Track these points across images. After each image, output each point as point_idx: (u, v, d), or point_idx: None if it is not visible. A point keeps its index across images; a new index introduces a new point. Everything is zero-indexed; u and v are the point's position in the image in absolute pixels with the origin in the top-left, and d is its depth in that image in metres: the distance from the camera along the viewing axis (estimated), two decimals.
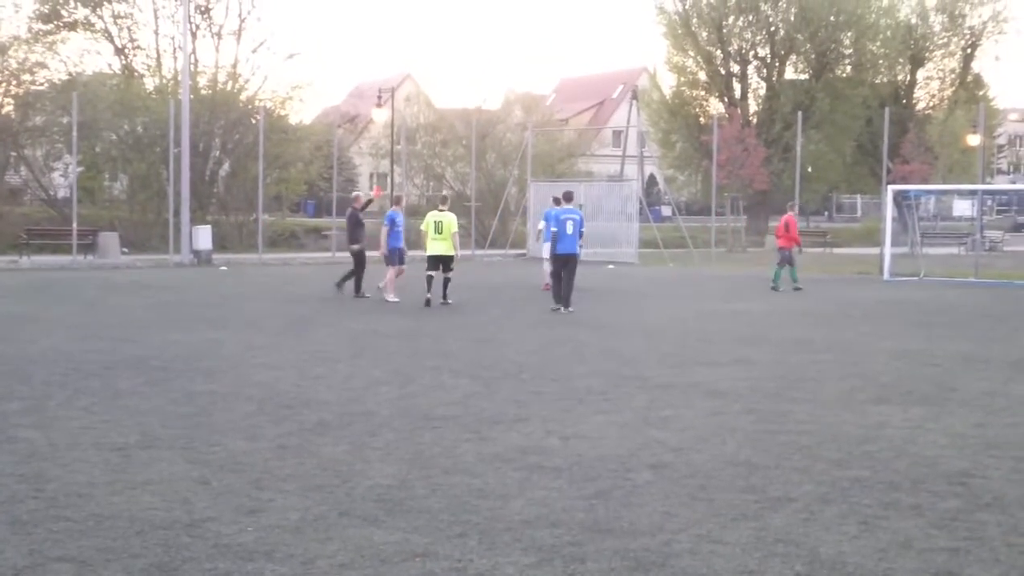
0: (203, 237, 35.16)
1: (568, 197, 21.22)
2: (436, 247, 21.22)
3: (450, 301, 20.86)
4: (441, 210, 21.71)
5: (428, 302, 20.62)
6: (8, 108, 41.43)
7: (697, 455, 8.26)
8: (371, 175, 68.39)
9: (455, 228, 21.48)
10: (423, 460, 8.04)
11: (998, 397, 11.15)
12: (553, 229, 20.43)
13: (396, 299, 21.33)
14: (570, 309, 19.86)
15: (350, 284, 22.83)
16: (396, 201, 23.48)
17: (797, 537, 6.24)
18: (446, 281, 21.17)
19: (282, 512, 6.63)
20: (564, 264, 20.19)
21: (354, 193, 25.85)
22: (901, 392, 11.32)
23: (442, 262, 21.19)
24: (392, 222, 22.21)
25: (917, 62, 58.05)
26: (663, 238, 40.17)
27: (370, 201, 24.58)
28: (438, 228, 21.24)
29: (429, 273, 21.14)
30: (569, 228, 20.11)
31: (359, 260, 22.79)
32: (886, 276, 30.45)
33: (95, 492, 7.03)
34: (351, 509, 6.72)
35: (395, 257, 22.01)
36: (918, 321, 19.21)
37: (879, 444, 8.71)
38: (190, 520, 6.43)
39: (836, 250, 46.21)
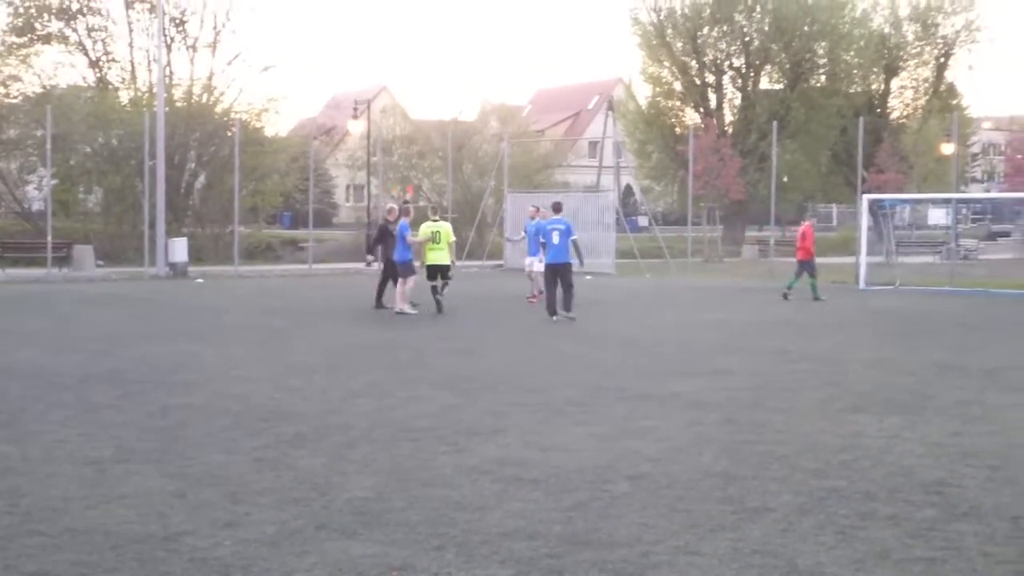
0: (179, 250, 35.00)
1: (557, 208, 21.44)
2: (435, 256, 21.33)
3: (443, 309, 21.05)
4: (435, 220, 21.85)
5: (440, 307, 20.88)
6: None
7: (675, 466, 8.26)
8: (348, 187, 68.52)
9: (452, 237, 21.71)
10: (401, 472, 8.01)
11: (974, 406, 11.19)
12: (542, 241, 20.70)
13: (414, 311, 21.10)
14: (571, 315, 19.96)
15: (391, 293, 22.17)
16: (404, 212, 23.41)
17: (775, 548, 6.24)
18: (442, 288, 21.38)
19: (259, 526, 6.60)
20: (555, 274, 20.27)
21: (388, 205, 25.48)
22: (877, 401, 11.35)
23: (440, 271, 21.28)
24: (401, 233, 22.10)
25: (891, 71, 58.32)
26: (640, 248, 40.22)
27: (407, 208, 23.55)
28: (436, 238, 21.35)
29: (433, 284, 21.26)
30: (555, 238, 20.24)
31: (389, 271, 22.32)
32: (862, 285, 30.60)
33: (70, 506, 6.98)
34: (328, 522, 6.69)
35: (407, 268, 21.87)
36: (894, 330, 19.29)
37: (856, 453, 8.73)
38: (166, 534, 6.39)
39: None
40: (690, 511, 7.01)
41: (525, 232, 24.70)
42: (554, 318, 20.04)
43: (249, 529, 6.52)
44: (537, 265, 23.38)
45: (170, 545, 6.18)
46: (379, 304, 22.19)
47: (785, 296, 25.73)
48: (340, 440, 9.16)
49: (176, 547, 6.15)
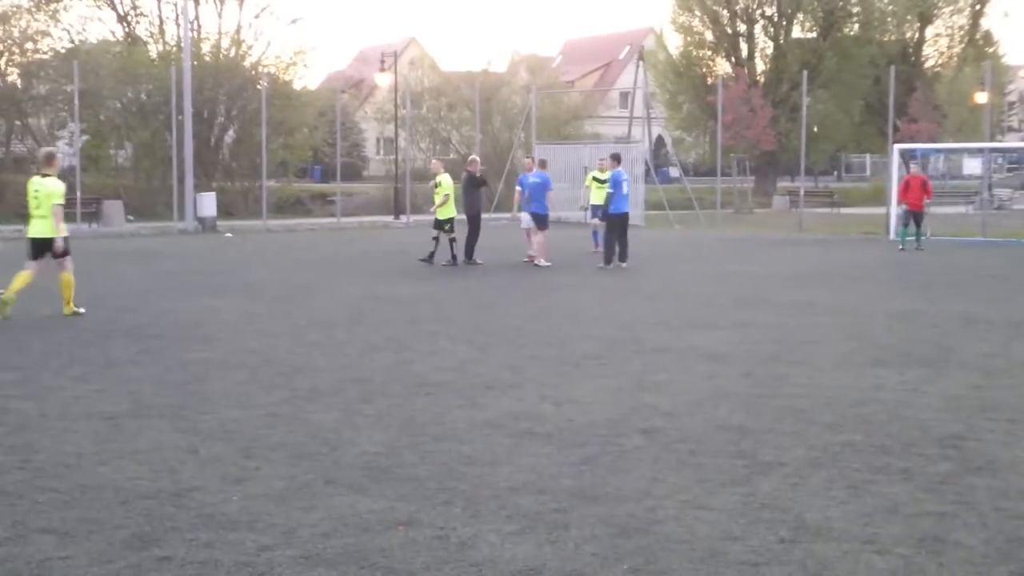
0: (207, 204, 35.09)
1: (617, 159, 22.08)
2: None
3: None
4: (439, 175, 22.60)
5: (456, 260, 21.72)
6: (12, 77, 41.35)
7: (689, 420, 8.22)
8: (377, 139, 68.31)
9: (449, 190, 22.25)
10: (414, 427, 8.01)
11: (997, 359, 11.07)
12: (610, 190, 21.38)
13: (548, 263, 21.71)
14: (625, 265, 21.05)
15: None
16: (542, 164, 23.54)
17: (784, 502, 6.20)
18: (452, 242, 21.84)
19: (268, 481, 6.61)
20: (623, 223, 21.43)
21: (471, 157, 25.51)
22: (899, 354, 11.25)
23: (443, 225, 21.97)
24: (546, 186, 22.51)
25: (925, 19, 57.55)
26: (669, 200, 39.93)
27: (543, 161, 24.38)
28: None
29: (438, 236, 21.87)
30: (624, 188, 21.58)
31: (474, 225, 22.35)
32: (892, 236, 30.27)
33: (82, 463, 7.02)
34: (337, 477, 6.69)
35: (545, 221, 22.30)
36: (922, 282, 19.10)
37: (873, 407, 8.66)
38: (175, 490, 6.42)
39: (843, 210, 45.93)
40: (701, 465, 6.98)
41: (521, 186, 23.10)
42: (610, 266, 20.93)
43: (258, 484, 6.54)
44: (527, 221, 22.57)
45: (179, 500, 6.21)
46: (470, 259, 22.05)
47: (906, 248, 26.26)
48: (355, 394, 9.17)
49: (184, 502, 6.17)
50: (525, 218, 22.59)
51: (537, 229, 22.00)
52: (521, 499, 6.25)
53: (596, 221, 24.02)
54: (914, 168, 28.99)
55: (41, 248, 14.21)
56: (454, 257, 21.58)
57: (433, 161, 26.68)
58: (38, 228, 14.17)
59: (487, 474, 6.77)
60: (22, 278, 14.17)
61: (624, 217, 21.53)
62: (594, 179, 24.67)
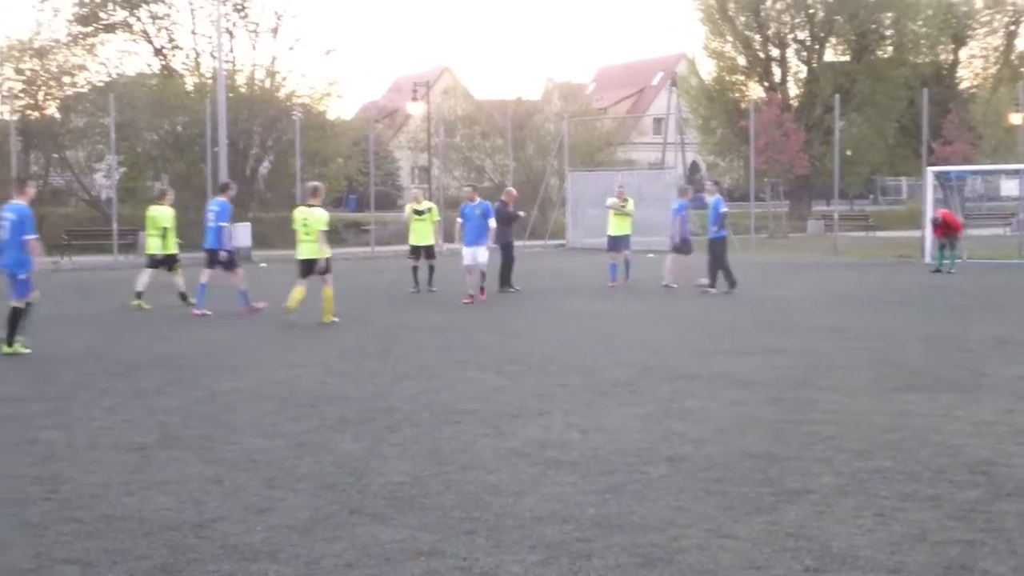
0: (242, 234, 35.28)
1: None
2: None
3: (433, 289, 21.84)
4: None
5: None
6: (51, 111, 41.85)
7: (716, 447, 8.17)
8: (412, 168, 68.53)
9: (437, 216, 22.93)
10: (440, 456, 8.00)
11: None
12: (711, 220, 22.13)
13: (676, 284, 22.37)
14: (713, 290, 21.59)
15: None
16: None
17: (810, 531, 6.14)
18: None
19: (292, 511, 6.62)
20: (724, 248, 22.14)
21: (507, 188, 25.15)
22: (930, 379, 11.15)
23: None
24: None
25: (959, 41, 57.25)
26: (704, 225, 39.78)
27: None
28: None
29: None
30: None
31: (507, 254, 22.27)
32: (927, 259, 30.04)
33: (109, 493, 7.06)
34: (362, 507, 6.69)
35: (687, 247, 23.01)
36: (955, 305, 18.93)
37: (903, 433, 8.57)
38: (199, 520, 6.44)
39: (879, 233, 45.64)
40: (727, 493, 6.93)
41: (463, 217, 20.91)
42: (714, 290, 21.54)
43: (282, 515, 6.55)
44: (482, 256, 20.27)
45: (202, 531, 6.23)
46: (505, 286, 22.06)
47: (942, 269, 26.64)
48: (383, 424, 9.17)
49: (208, 533, 6.19)
50: (469, 254, 20.24)
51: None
52: (545, 529, 6.23)
53: (625, 253, 23.55)
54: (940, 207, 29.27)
55: (309, 267, 16.78)
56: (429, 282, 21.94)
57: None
58: (306, 250, 16.78)
59: (512, 503, 6.76)
60: (297, 292, 16.69)
61: (722, 241, 21.96)
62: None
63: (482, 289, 20.24)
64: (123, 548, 5.93)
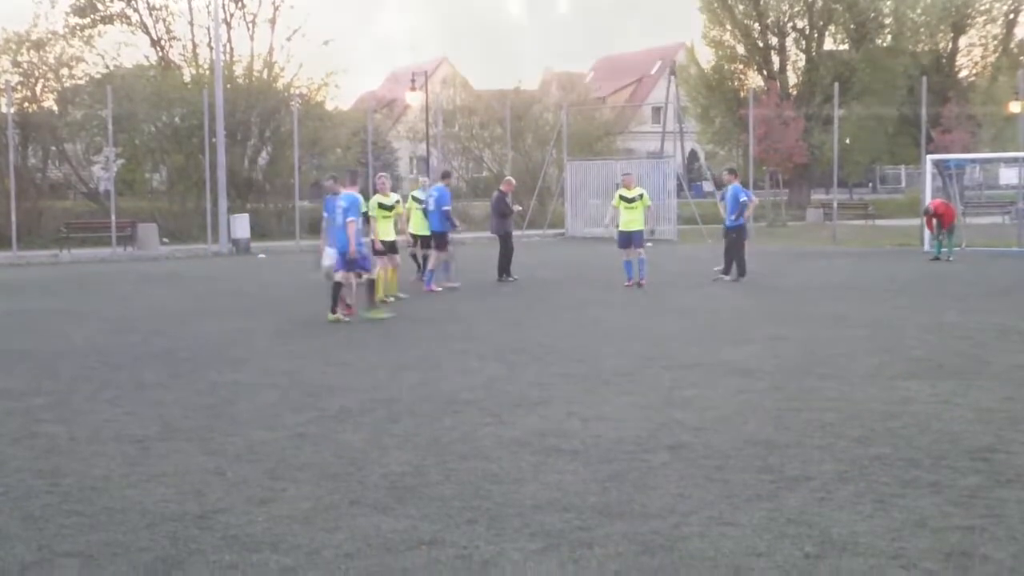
0: (241, 226, 35.25)
1: (734, 172, 23.16)
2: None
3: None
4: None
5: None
6: (48, 103, 41.85)
7: (717, 435, 8.18)
8: (411, 159, 68.52)
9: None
10: (440, 446, 8.00)
11: None
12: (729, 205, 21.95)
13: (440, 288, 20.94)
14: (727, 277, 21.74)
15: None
16: (445, 176, 22.84)
17: (810, 517, 6.15)
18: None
19: (294, 502, 6.62)
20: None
21: (506, 177, 25.00)
22: (931, 367, 11.15)
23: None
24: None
25: (958, 29, 57.20)
26: (702, 214, 39.79)
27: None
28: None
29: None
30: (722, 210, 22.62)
31: (506, 244, 22.23)
32: (926, 247, 30.03)
33: (110, 486, 7.06)
34: (362, 497, 6.70)
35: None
36: (955, 293, 18.93)
37: (903, 420, 8.58)
38: (201, 512, 6.44)
39: (878, 222, 45.64)
40: (728, 481, 6.93)
41: (326, 212, 18.06)
42: (727, 278, 21.67)
43: (283, 505, 6.55)
44: (329, 260, 16.96)
45: (204, 523, 6.23)
46: (504, 276, 22.03)
47: (940, 257, 26.61)
48: (384, 414, 9.17)
49: (209, 524, 6.19)
50: (329, 254, 16.99)
51: (435, 249, 20.48)
52: (545, 517, 6.23)
53: (640, 249, 20.90)
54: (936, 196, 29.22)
55: (391, 247, 18.61)
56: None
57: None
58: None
59: (512, 492, 6.76)
60: (383, 278, 17.72)
61: (739, 230, 22.00)
62: (621, 198, 21.22)
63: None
64: (125, 540, 5.93)
